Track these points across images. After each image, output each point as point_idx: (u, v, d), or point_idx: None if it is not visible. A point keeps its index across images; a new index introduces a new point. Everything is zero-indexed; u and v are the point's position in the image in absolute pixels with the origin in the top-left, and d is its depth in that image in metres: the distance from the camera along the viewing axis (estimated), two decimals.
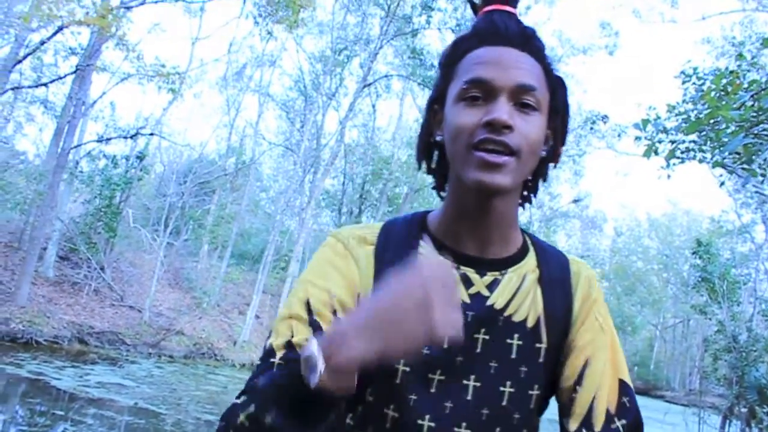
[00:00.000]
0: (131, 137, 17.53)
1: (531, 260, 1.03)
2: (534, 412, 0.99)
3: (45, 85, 17.25)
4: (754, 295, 12.85)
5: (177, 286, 19.61)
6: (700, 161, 5.92)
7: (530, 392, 0.98)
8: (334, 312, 0.95)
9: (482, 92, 0.92)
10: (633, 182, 79.48)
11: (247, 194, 24.34)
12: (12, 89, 16.37)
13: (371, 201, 25.88)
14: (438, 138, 1.02)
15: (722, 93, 3.53)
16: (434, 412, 0.94)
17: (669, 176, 5.90)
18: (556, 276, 1.04)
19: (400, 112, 27.81)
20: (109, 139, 17.36)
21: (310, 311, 0.95)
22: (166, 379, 13.27)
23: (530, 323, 0.99)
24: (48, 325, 13.75)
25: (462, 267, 0.99)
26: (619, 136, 22.31)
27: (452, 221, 1.01)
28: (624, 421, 0.98)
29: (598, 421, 0.97)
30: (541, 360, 0.99)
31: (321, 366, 0.71)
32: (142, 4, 15.93)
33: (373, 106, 26.91)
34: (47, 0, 13.33)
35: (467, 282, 0.98)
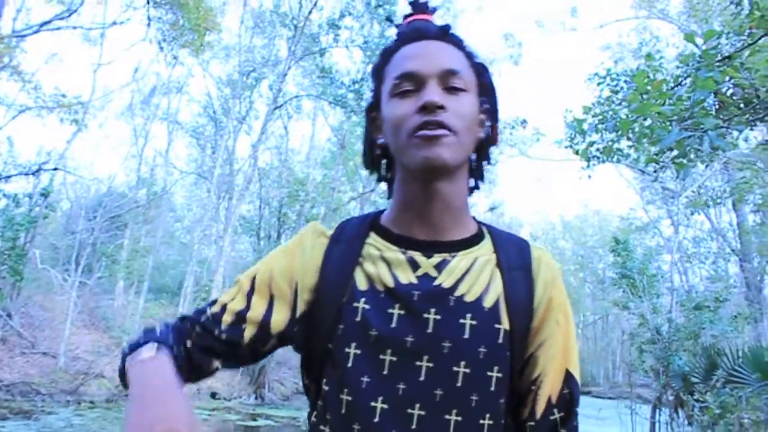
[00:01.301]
0: (33, 174, 16.68)
1: (486, 246, 1.06)
2: (496, 395, 0.99)
3: None
4: (671, 287, 13.37)
5: (93, 326, 18.72)
6: (618, 160, 6.08)
7: (489, 374, 0.98)
8: (270, 290, 1.06)
9: (412, 84, 1.00)
10: (546, 187, 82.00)
11: (161, 225, 23.64)
12: None
13: (289, 224, 25.55)
14: (380, 141, 1.08)
15: (644, 92, 3.60)
16: (387, 394, 0.96)
17: (590, 176, 6.03)
18: (515, 261, 1.06)
19: (313, 132, 27.75)
20: (8, 177, 16.45)
21: (252, 286, 1.07)
22: (88, 427, 12.58)
23: (488, 304, 1.00)
24: None
25: (408, 251, 1.02)
26: (537, 140, 22.92)
27: (401, 211, 1.05)
28: (562, 414, 1.02)
29: (539, 407, 1.02)
30: (500, 341, 0.99)
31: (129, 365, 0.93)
32: (36, 32, 15.26)
33: (285, 128, 26.70)
34: None
35: (414, 264, 1.02)
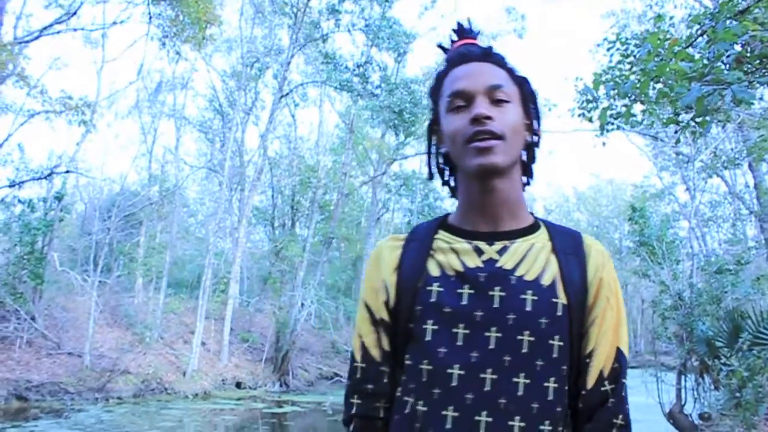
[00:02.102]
0: (46, 178, 16.78)
1: (542, 234, 1.22)
2: (559, 361, 1.12)
3: None
4: (691, 253, 13.24)
5: (116, 324, 18.89)
6: (632, 126, 6.00)
7: (551, 342, 1.11)
8: (386, 303, 1.22)
9: (463, 100, 1.18)
10: (557, 159, 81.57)
11: (176, 221, 23.71)
12: None
13: (303, 211, 25.60)
14: (443, 150, 1.28)
15: (655, 54, 3.54)
16: (462, 361, 1.10)
17: (604, 144, 5.98)
18: (568, 247, 1.22)
19: (320, 118, 27.66)
20: (21, 183, 16.55)
21: (370, 311, 1.24)
22: (117, 422, 12.73)
23: (546, 282, 1.15)
24: None
25: (474, 241, 1.19)
26: (550, 110, 22.76)
27: (466, 210, 1.23)
28: (613, 386, 1.16)
29: (591, 378, 1.16)
30: (559, 313, 1.13)
31: None
32: (37, 38, 15.27)
33: (293, 116, 26.65)
34: None
35: (479, 251, 1.18)
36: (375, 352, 1.22)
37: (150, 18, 15.39)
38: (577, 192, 49.78)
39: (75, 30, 15.95)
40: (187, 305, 21.34)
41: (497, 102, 1.17)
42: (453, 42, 1.34)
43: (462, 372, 1.10)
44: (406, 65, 23.64)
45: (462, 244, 1.19)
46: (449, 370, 1.10)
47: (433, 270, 1.18)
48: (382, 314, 1.22)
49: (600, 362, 1.16)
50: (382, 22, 20.33)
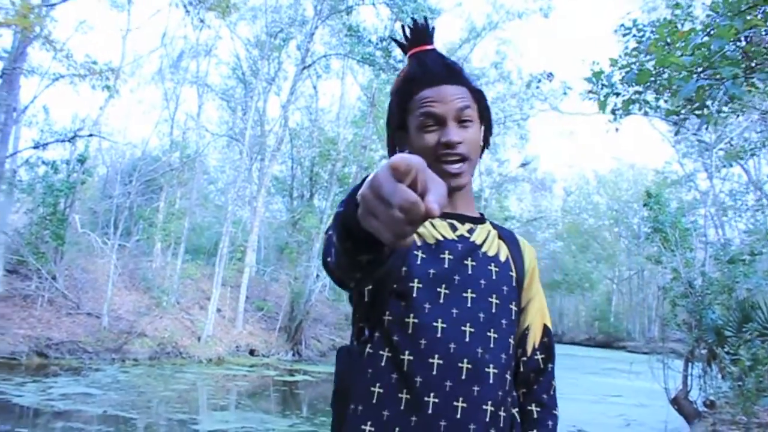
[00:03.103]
0: (69, 141, 16.98)
1: (489, 225, 1.46)
2: (515, 323, 1.37)
3: None
4: (705, 241, 13.20)
5: (134, 287, 19.23)
6: (645, 113, 6.00)
7: (510, 306, 1.35)
8: None
9: (434, 121, 1.34)
10: (578, 141, 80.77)
11: (196, 188, 23.92)
12: None
13: (321, 183, 25.73)
14: (407, 151, 1.39)
15: (665, 42, 3.56)
16: (444, 316, 1.27)
17: (617, 129, 5.99)
18: (509, 238, 1.47)
19: (342, 91, 27.63)
20: (45, 145, 16.78)
21: None
22: (133, 383, 13.04)
23: (502, 258, 1.39)
24: (3, 342, 13.36)
25: (447, 219, 1.39)
26: (565, 93, 22.55)
27: None
28: (543, 356, 1.42)
29: (529, 347, 1.42)
30: (514, 285, 1.38)
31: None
32: (64, 1, 15.39)
33: (315, 88, 26.66)
34: None
35: (453, 227, 1.38)
36: None
37: None
38: (597, 175, 49.34)
39: None
40: (204, 272, 21.63)
41: (463, 122, 1.35)
42: (407, 41, 1.46)
43: (445, 325, 1.26)
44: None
45: (438, 220, 1.37)
46: (434, 323, 1.26)
47: (416, 239, 1.33)
48: None
49: (535, 335, 1.43)
50: None
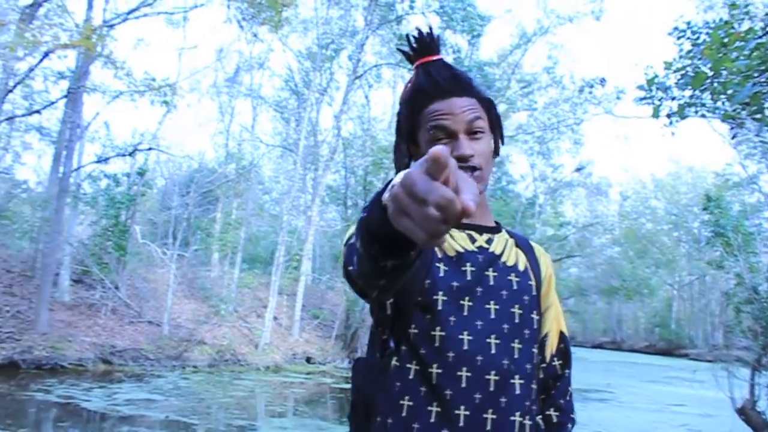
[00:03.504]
0: (129, 154, 17.55)
1: (505, 234, 1.45)
2: (537, 332, 1.38)
3: (38, 111, 17.25)
4: None
5: (193, 296, 19.66)
6: (703, 116, 5.87)
7: (532, 315, 1.36)
8: None
9: (445, 134, 1.33)
10: (634, 145, 79.19)
11: (251, 198, 24.33)
12: (6, 120, 16.39)
13: (375, 191, 25.80)
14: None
15: (720, 45, 3.50)
16: (470, 328, 1.28)
17: (673, 134, 5.87)
18: (526, 247, 1.47)
19: (394, 99, 27.71)
20: (107, 159, 17.38)
21: None
22: (193, 389, 13.33)
23: (521, 268, 1.39)
24: (71, 349, 13.82)
25: (465, 230, 1.39)
26: (618, 98, 22.20)
27: None
28: (560, 362, 1.45)
29: (548, 354, 1.43)
30: (534, 293, 1.39)
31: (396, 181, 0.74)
32: (124, 21, 15.91)
33: (366, 97, 26.85)
34: (30, 27, 13.33)
35: (472, 238, 1.38)
36: None
37: (229, 2, 15.81)
38: (655, 179, 48.23)
39: (159, 13, 16.53)
40: (261, 280, 21.94)
41: (474, 134, 1.34)
42: (413, 51, 1.42)
43: (471, 337, 1.27)
44: (480, 48, 23.44)
45: (456, 232, 1.38)
46: (460, 336, 1.27)
47: (436, 251, 1.34)
48: None
49: (552, 342, 1.45)
50: (456, 5, 20.22)
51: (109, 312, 16.14)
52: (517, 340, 1.31)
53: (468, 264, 1.33)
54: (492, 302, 1.31)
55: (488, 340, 1.28)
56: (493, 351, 1.28)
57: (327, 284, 24.79)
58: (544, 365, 1.43)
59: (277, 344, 18.91)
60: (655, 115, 4.59)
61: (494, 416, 1.25)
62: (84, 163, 17.37)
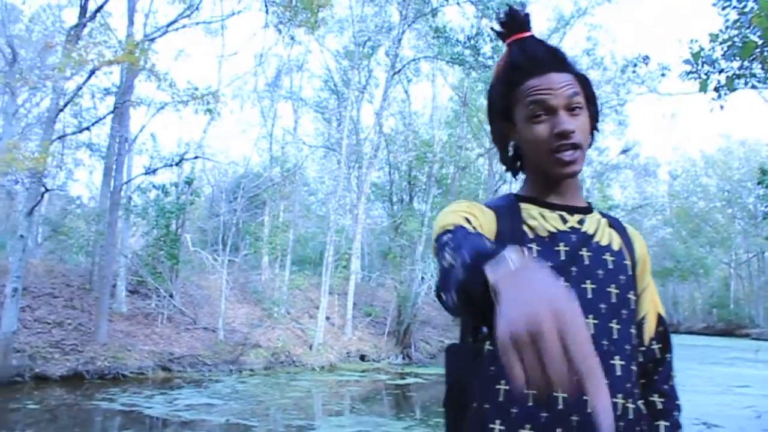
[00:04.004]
0: (176, 164, 17.85)
1: (597, 213, 1.42)
2: (635, 313, 1.35)
3: (87, 128, 17.66)
4: None
5: (245, 300, 19.93)
6: (753, 87, 5.69)
7: (628, 295, 1.32)
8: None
9: (544, 111, 1.29)
10: (681, 122, 77.28)
11: (297, 200, 24.55)
12: (58, 138, 16.83)
13: (420, 186, 25.79)
14: (512, 143, 1.42)
15: (762, 11, 3.37)
16: None
17: (722, 107, 5.69)
18: (618, 226, 1.43)
19: (434, 93, 27.66)
20: (155, 170, 17.71)
21: (469, 223, 1.26)
22: (251, 392, 13.52)
23: (615, 248, 1.36)
24: (131, 358, 14.15)
25: (556, 211, 1.36)
26: (663, 75, 21.71)
27: (539, 189, 1.38)
28: (659, 345, 1.41)
29: (647, 337, 1.40)
30: (630, 273, 1.35)
31: (513, 256, 0.82)
32: (164, 33, 16.18)
33: (406, 92, 26.82)
34: (77, 47, 13.66)
35: (563, 219, 1.35)
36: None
37: (267, 6, 15.94)
38: (705, 155, 47.05)
39: (197, 24, 16.77)
40: (311, 281, 22.13)
41: (573, 110, 1.29)
42: (504, 28, 1.39)
43: None
44: None
45: (548, 212, 1.35)
46: None
47: (528, 232, 1.32)
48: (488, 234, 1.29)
49: (650, 324, 1.41)
50: None
51: (165, 320, 16.47)
52: (615, 321, 1.28)
53: (561, 244, 1.31)
54: (588, 282, 1.28)
55: (587, 320, 1.23)
56: (592, 331, 1.24)
57: (377, 281, 24.88)
58: (642, 349, 1.39)
59: (331, 344, 19.04)
60: (703, 89, 4.45)
61: None
62: (133, 176, 17.74)
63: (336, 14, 22.98)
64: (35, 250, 20.75)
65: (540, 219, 1.34)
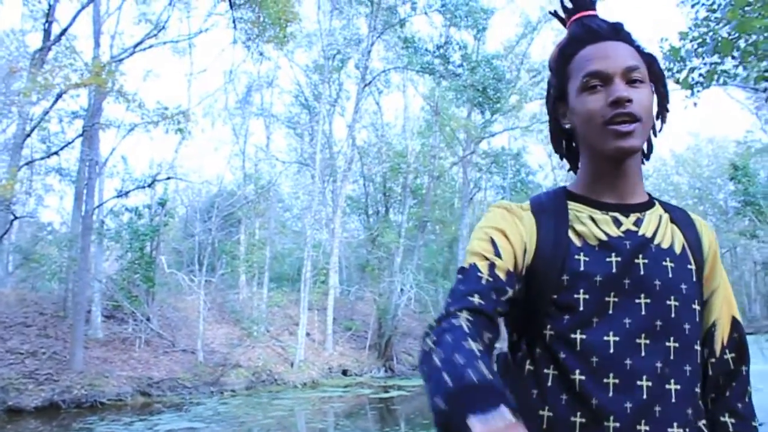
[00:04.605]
0: (149, 186, 17.63)
1: (659, 208, 1.26)
2: (700, 325, 1.19)
3: (56, 153, 17.42)
4: None
5: (224, 320, 19.70)
6: (725, 83, 5.73)
7: (693, 306, 1.17)
8: (514, 258, 1.16)
9: (599, 80, 1.16)
10: None
11: (273, 217, 24.40)
12: (26, 164, 16.55)
13: (395, 197, 25.80)
14: (567, 126, 1.27)
15: (744, 6, 3.37)
16: (616, 329, 1.12)
17: (695, 104, 5.72)
18: (683, 219, 1.26)
19: (405, 103, 27.75)
20: (127, 193, 17.47)
21: (496, 251, 1.15)
22: (233, 413, 13.32)
23: (677, 250, 1.20)
24: (108, 385, 13.89)
25: (609, 212, 1.20)
26: None
27: (591, 183, 1.23)
28: (733, 355, 1.22)
29: (718, 346, 1.22)
30: (694, 280, 1.18)
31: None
32: (131, 54, 16.03)
33: (378, 104, 26.87)
34: (42, 71, 13.46)
35: (617, 222, 1.19)
36: (501, 274, 1.14)
37: (235, 24, 15.86)
38: (675, 154, 47.70)
39: (164, 43, 16.64)
40: (290, 298, 21.96)
41: (633, 83, 1.15)
42: (568, 11, 1.29)
43: (617, 338, 1.11)
44: (486, 41, 23.33)
45: (599, 215, 1.20)
46: (605, 338, 1.11)
47: (575, 240, 1.18)
48: (509, 264, 1.16)
49: (723, 330, 1.23)
50: (458, 1, 20.14)
51: (143, 344, 16.21)
52: (672, 338, 1.13)
53: (613, 254, 1.16)
54: (642, 296, 1.14)
55: (638, 341, 1.12)
56: (643, 353, 1.11)
57: (356, 295, 24.76)
58: (713, 360, 1.23)
59: (312, 360, 18.88)
60: (685, 85, 4.45)
61: (647, 427, 1.09)
62: (105, 199, 17.50)
63: (304, 29, 22.97)
64: (6, 278, 20.36)
65: (589, 223, 1.20)
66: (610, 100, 1.13)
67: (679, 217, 1.26)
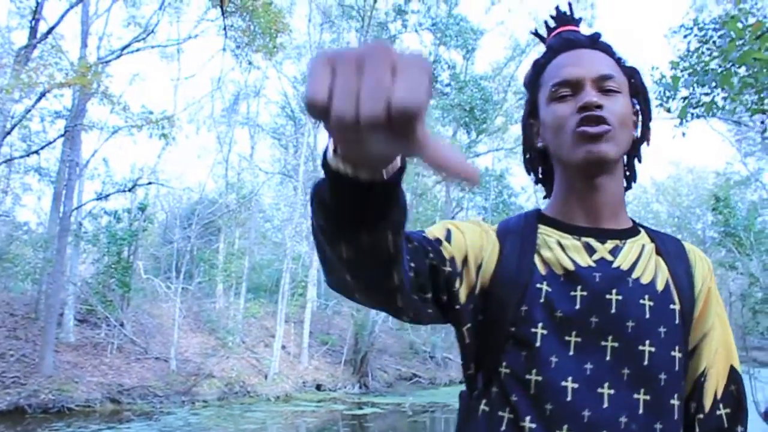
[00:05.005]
0: (129, 190, 17.44)
1: (644, 236, 1.11)
2: (680, 376, 1.02)
3: (36, 152, 17.18)
4: None
5: (199, 329, 19.46)
6: (713, 114, 5.76)
7: (672, 353, 1.00)
8: (465, 257, 1.03)
9: (570, 89, 1.05)
10: None
11: (253, 227, 24.24)
12: (4, 162, 16.31)
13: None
14: (539, 145, 1.15)
15: (736, 38, 3.39)
16: (575, 374, 0.97)
17: (684, 134, 5.74)
18: (673, 250, 1.10)
19: None
20: (107, 196, 17.27)
21: (448, 236, 1.03)
22: (204, 425, 13.11)
23: (660, 287, 1.04)
24: (77, 390, 13.61)
25: (582, 237, 1.06)
26: None
27: (563, 203, 1.10)
28: (728, 410, 1.04)
29: (707, 400, 1.04)
30: (677, 322, 1.02)
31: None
32: (118, 57, 15.89)
33: None
34: (26, 69, 13.29)
35: (589, 249, 1.05)
36: (445, 252, 1.01)
37: (225, 32, 15.79)
38: (655, 182, 48.23)
39: (153, 47, 16.54)
40: (267, 309, 21.77)
41: (606, 91, 1.04)
42: (550, 29, 1.20)
43: (576, 385, 0.97)
44: (475, 62, 23.56)
45: (569, 240, 1.06)
46: (563, 383, 0.97)
47: (540, 267, 1.05)
48: (456, 254, 1.03)
49: (714, 383, 1.06)
50: (449, 20, 20.29)
51: (115, 350, 15.94)
52: (643, 390, 0.98)
53: (579, 287, 1.01)
54: (610, 338, 0.99)
55: (600, 390, 0.97)
56: (605, 405, 0.96)
57: (334, 309, 24.60)
58: (701, 416, 1.05)
59: (287, 373, 18.69)
60: (683, 115, 4.46)
61: None
62: (84, 201, 17.27)
63: (294, 40, 22.96)
64: None
65: (557, 249, 1.05)
66: (578, 105, 1.02)
67: (668, 247, 1.11)
